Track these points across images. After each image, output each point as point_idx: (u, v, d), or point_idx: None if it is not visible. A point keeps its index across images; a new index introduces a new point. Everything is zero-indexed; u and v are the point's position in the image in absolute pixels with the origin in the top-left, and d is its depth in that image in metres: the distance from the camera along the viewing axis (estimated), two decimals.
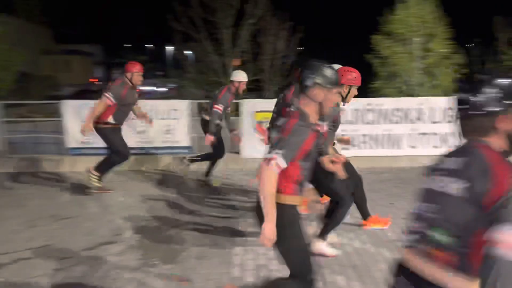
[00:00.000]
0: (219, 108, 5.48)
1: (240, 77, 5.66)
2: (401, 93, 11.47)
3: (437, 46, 10.76)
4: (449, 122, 7.03)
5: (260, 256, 3.64)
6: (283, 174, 2.18)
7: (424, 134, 7.01)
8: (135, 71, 5.32)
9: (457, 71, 11.42)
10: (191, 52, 14.73)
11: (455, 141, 1.63)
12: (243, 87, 5.68)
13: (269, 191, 2.14)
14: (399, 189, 5.68)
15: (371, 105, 6.96)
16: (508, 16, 12.25)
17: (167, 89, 25.41)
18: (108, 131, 5.28)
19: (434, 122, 7.00)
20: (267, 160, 2.14)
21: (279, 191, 2.20)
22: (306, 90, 2.29)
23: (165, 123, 6.89)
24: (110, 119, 5.26)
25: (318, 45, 30.02)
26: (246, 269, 3.42)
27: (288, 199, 2.25)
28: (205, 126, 5.68)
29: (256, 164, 6.78)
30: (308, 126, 2.24)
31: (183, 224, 4.44)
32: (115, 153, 5.37)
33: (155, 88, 28.27)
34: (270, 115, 6.73)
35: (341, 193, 3.55)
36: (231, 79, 5.74)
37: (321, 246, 3.63)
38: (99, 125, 5.25)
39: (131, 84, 5.33)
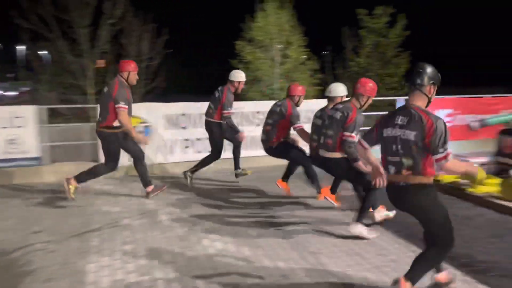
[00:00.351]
0: (229, 112, 5.71)
1: (239, 77, 5.83)
2: (264, 97, 12.06)
3: (293, 53, 11.59)
4: (304, 122, 7.59)
5: (117, 271, 3.43)
6: (429, 162, 2.76)
7: None
8: (131, 70, 5.07)
9: (313, 75, 12.44)
10: (47, 52, 13.35)
11: None
12: (242, 86, 5.92)
13: (463, 169, 2.98)
14: (266, 187, 5.96)
15: (234, 108, 7.13)
16: (353, 27, 13.78)
17: (17, 93, 22.59)
18: (120, 137, 5.04)
19: None
20: (446, 156, 2.69)
21: (425, 174, 2.77)
22: (420, 88, 2.80)
23: (8, 132, 6.08)
24: (116, 123, 4.97)
25: (186, 48, 30.00)
26: (100, 287, 3.18)
27: (431, 179, 2.81)
28: (209, 127, 5.93)
29: (124, 172, 6.57)
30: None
31: (28, 244, 3.95)
32: (136, 159, 5.23)
33: (3, 92, 24.87)
34: (136, 119, 6.54)
35: (368, 180, 3.89)
36: (231, 79, 5.82)
37: (360, 230, 4.03)
38: (105, 129, 5.01)
39: (127, 84, 5.07)
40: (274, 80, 12.24)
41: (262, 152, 7.28)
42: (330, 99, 4.76)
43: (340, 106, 4.27)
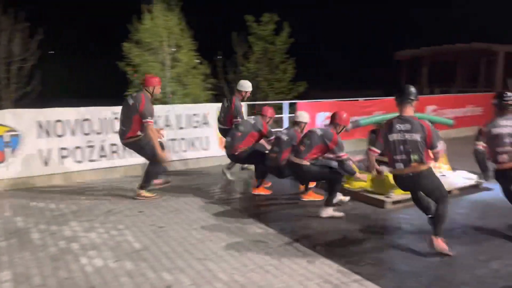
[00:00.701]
0: (238, 120, 6.17)
1: (247, 86, 6.43)
2: (156, 101, 11.70)
3: (184, 57, 11.42)
4: (195, 127, 7.53)
5: None
6: (427, 154, 3.86)
7: (173, 140, 7.28)
8: (156, 85, 5.46)
9: (205, 80, 12.41)
10: None
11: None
12: (248, 95, 6.51)
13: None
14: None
15: (119, 114, 6.76)
16: (242, 33, 14.06)
17: None
18: (144, 142, 5.39)
19: (181, 128, 7.37)
20: (439, 151, 3.87)
21: (426, 163, 3.83)
22: (411, 102, 3.92)
23: None
24: (139, 132, 5.38)
25: (71, 49, 27.87)
26: None
27: (429, 165, 3.88)
28: (224, 133, 6.35)
29: None
30: None
31: None
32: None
33: None
34: (3, 128, 5.83)
35: (332, 174, 4.90)
36: (239, 89, 6.43)
37: (330, 212, 4.77)
38: (131, 139, 5.40)
39: (151, 97, 5.44)
40: (166, 84, 11.94)
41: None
42: (296, 123, 5.57)
43: (324, 128, 5.05)
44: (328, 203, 4.85)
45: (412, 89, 3.94)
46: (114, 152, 6.76)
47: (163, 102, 11.61)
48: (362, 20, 37.50)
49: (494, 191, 5.85)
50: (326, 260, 3.69)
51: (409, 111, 3.91)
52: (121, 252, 3.87)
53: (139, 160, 6.93)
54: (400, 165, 3.87)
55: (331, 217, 4.76)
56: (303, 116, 5.64)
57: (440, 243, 3.76)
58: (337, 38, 37.64)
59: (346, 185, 5.60)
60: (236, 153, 5.77)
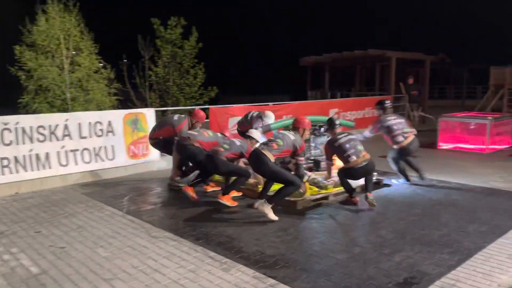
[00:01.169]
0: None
1: (268, 118, 7.10)
2: (54, 108, 10.82)
3: (84, 60, 10.72)
4: (99, 136, 7.04)
5: None
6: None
7: (74, 150, 6.74)
8: (199, 121, 6.53)
9: (110, 85, 11.77)
10: None
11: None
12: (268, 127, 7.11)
13: None
14: (48, 213, 5.18)
15: (9, 124, 6.08)
16: (149, 36, 13.63)
17: None
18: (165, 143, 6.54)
19: (83, 138, 6.84)
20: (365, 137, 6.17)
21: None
22: (339, 127, 5.59)
23: None
24: (161, 137, 6.57)
25: None
26: None
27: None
28: (243, 136, 6.64)
29: None
30: None
31: None
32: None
33: None
34: None
35: (293, 180, 4.96)
36: (263, 117, 7.07)
37: (268, 211, 4.84)
38: (154, 140, 6.69)
39: (190, 125, 6.48)
40: (65, 89, 11.07)
41: (47, 173, 6.44)
42: (250, 137, 5.78)
43: (294, 133, 5.19)
44: (271, 200, 4.91)
45: (337, 121, 5.59)
46: (5, 166, 6.06)
47: (62, 109, 10.77)
48: (271, 28, 38.77)
49: (393, 187, 6.35)
50: (242, 267, 3.65)
51: (339, 131, 5.52)
52: (15, 279, 3.44)
53: (35, 174, 6.33)
54: (353, 157, 5.18)
55: (265, 215, 4.83)
56: (257, 135, 6.00)
57: (371, 196, 5.24)
58: (248, 45, 38.42)
59: (261, 188, 5.64)
60: (193, 145, 5.87)
